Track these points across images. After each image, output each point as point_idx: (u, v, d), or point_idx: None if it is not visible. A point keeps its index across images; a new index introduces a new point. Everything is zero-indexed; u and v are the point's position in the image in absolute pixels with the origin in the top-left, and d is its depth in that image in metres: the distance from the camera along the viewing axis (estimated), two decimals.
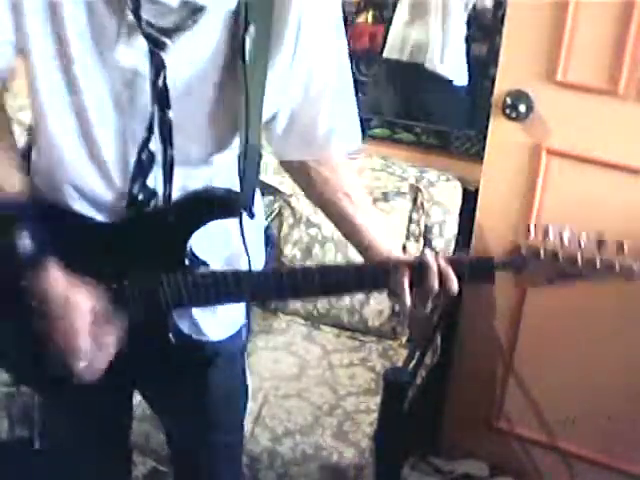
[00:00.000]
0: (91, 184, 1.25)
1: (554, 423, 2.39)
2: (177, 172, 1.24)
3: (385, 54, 2.48)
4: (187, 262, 1.26)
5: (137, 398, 1.68)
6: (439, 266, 1.22)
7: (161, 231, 1.26)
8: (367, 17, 2.48)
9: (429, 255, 1.22)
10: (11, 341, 1.35)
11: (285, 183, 2.36)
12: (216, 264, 1.32)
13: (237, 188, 1.23)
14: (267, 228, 2.45)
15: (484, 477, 2.50)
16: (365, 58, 2.52)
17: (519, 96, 2.10)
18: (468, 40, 2.37)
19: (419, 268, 1.22)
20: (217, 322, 1.39)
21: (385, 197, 2.34)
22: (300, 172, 1.37)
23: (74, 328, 1.20)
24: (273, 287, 1.25)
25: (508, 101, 2.12)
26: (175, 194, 1.26)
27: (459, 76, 2.43)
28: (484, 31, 2.33)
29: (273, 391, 2.16)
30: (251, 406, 2.06)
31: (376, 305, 2.36)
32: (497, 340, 2.39)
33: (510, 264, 1.22)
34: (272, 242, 2.43)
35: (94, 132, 1.20)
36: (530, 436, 2.44)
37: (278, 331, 2.44)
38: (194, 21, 1.14)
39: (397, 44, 2.47)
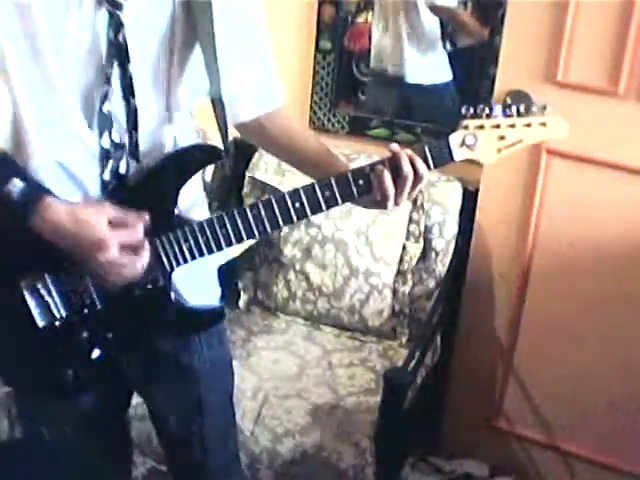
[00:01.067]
0: (65, 150, 1.27)
1: (554, 423, 2.39)
2: (140, 129, 1.30)
3: (371, 65, 2.52)
4: (176, 212, 1.32)
5: (137, 399, 1.68)
6: (406, 152, 1.30)
7: (147, 194, 1.31)
8: (367, 17, 2.48)
9: (395, 145, 1.31)
10: (11, 344, 1.37)
11: (285, 183, 2.36)
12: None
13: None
14: None
15: (484, 477, 2.50)
16: (365, 58, 2.52)
17: (519, 96, 2.10)
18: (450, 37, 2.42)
19: (393, 159, 1.30)
20: (192, 287, 1.42)
21: None
22: (255, 128, 1.49)
23: (96, 240, 1.22)
24: (267, 217, 1.31)
25: (508, 101, 2.11)
26: (141, 154, 1.31)
27: (430, 77, 2.50)
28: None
29: (273, 391, 2.16)
30: (251, 406, 2.07)
31: (376, 305, 2.36)
32: (497, 340, 2.39)
33: (463, 141, 1.32)
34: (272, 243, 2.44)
35: (60, 97, 1.23)
36: (530, 436, 2.44)
37: (278, 331, 2.44)
38: None
39: (377, 55, 2.50)
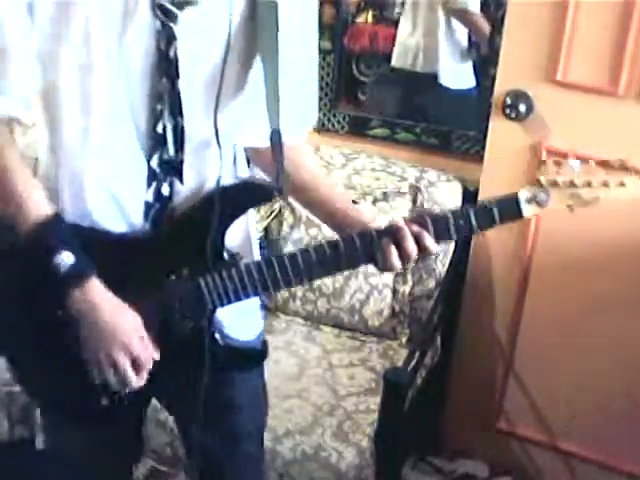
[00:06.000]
0: (115, 175, 1.23)
1: (554, 423, 2.39)
2: (186, 151, 1.25)
3: (393, 63, 2.52)
4: (226, 256, 1.27)
5: None
6: (412, 229, 1.24)
7: (195, 230, 1.26)
8: (367, 17, 2.49)
9: (399, 221, 1.25)
10: (49, 369, 1.34)
11: None
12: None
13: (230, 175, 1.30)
14: (267, 228, 2.46)
15: (484, 477, 2.49)
16: (365, 58, 2.52)
17: (519, 96, 2.10)
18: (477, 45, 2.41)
19: (397, 233, 1.24)
20: (237, 323, 1.38)
21: (385, 197, 2.35)
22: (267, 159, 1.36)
23: (123, 340, 1.20)
24: (319, 263, 1.25)
25: (508, 101, 2.12)
26: (186, 179, 1.27)
27: (459, 82, 2.50)
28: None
29: (273, 391, 2.15)
30: None
31: (376, 305, 2.36)
32: (497, 340, 2.39)
33: (534, 197, 1.24)
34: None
35: (116, 113, 1.20)
36: (530, 436, 2.44)
37: (278, 331, 2.44)
38: None
39: (402, 54, 2.50)
